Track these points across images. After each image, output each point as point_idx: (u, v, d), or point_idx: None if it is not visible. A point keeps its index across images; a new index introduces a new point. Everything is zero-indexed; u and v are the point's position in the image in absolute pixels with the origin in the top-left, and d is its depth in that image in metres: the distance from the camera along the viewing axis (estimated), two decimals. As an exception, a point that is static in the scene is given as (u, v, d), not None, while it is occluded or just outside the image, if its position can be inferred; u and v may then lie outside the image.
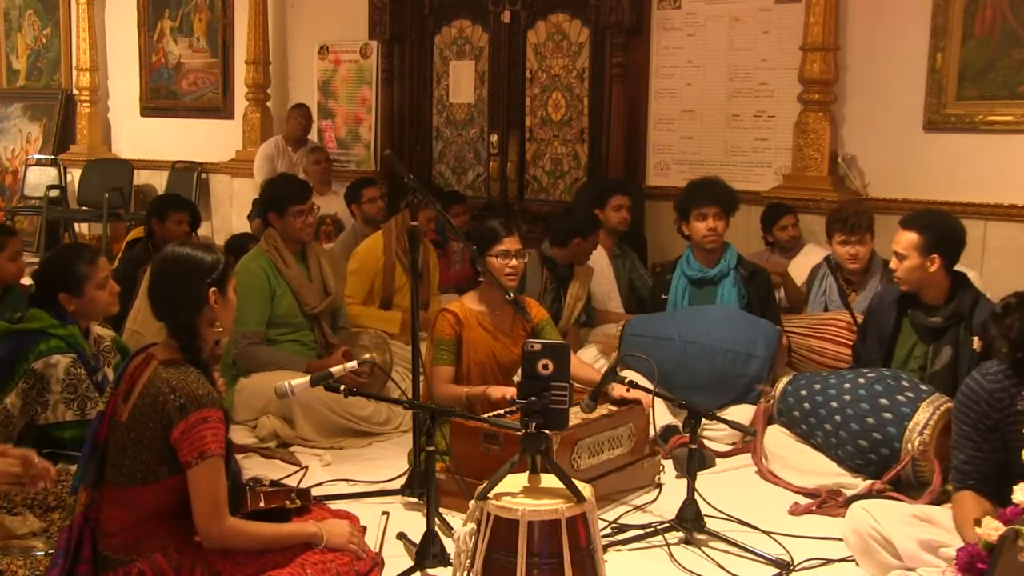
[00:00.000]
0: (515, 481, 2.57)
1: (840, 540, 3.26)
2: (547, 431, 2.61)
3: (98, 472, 2.63)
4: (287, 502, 2.80)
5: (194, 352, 2.64)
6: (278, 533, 2.66)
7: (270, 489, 2.82)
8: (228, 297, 2.75)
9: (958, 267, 4.11)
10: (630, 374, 4.16)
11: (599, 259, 5.74)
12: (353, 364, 3.19)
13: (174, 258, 2.72)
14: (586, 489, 2.53)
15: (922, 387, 3.88)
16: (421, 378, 3.75)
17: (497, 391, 3.91)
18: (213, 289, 2.69)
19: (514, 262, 4.06)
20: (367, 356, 4.73)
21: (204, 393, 2.55)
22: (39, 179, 9.82)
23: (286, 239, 4.76)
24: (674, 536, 3.49)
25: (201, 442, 2.51)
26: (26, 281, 4.55)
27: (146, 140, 9.71)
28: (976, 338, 3.27)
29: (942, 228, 4.02)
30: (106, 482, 2.62)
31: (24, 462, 2.59)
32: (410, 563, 3.19)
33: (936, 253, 3.96)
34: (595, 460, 3.74)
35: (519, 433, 2.64)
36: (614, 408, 3.97)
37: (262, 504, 2.74)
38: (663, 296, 4.98)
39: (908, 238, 4.00)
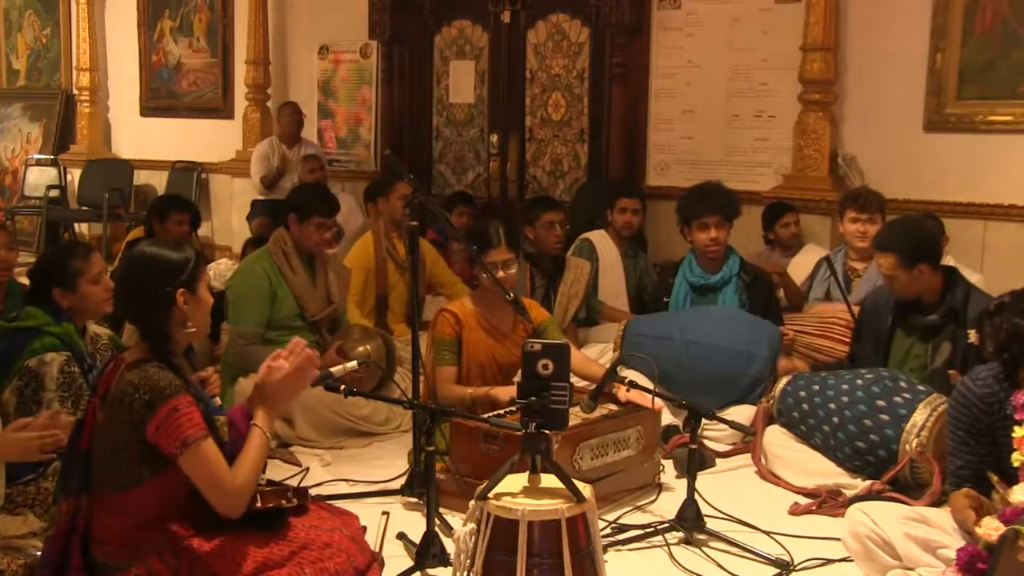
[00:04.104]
0: (515, 481, 2.57)
1: (840, 540, 3.26)
2: (547, 431, 2.61)
3: (82, 480, 2.58)
4: (283, 501, 2.79)
5: (166, 355, 2.58)
6: (256, 449, 2.61)
7: (267, 488, 2.81)
8: (199, 296, 2.68)
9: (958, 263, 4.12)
10: (631, 374, 4.16)
11: (611, 255, 5.73)
12: (353, 364, 3.18)
13: (140, 259, 2.68)
14: (586, 489, 2.53)
15: (919, 388, 3.87)
16: (421, 378, 3.74)
17: (504, 392, 3.86)
18: (181, 290, 2.63)
19: (501, 273, 4.03)
20: (362, 348, 4.74)
21: (166, 384, 2.50)
22: (39, 179, 9.82)
23: (297, 245, 4.77)
24: (674, 536, 3.49)
25: (179, 431, 2.48)
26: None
27: (146, 140, 9.70)
28: (972, 332, 3.27)
29: (913, 239, 4.02)
30: (94, 491, 2.58)
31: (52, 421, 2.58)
32: (410, 563, 3.19)
33: (919, 263, 3.96)
34: (598, 462, 3.72)
35: (519, 433, 2.64)
36: (614, 408, 3.96)
37: (259, 504, 2.73)
38: (664, 299, 4.98)
39: (887, 260, 4.00)
